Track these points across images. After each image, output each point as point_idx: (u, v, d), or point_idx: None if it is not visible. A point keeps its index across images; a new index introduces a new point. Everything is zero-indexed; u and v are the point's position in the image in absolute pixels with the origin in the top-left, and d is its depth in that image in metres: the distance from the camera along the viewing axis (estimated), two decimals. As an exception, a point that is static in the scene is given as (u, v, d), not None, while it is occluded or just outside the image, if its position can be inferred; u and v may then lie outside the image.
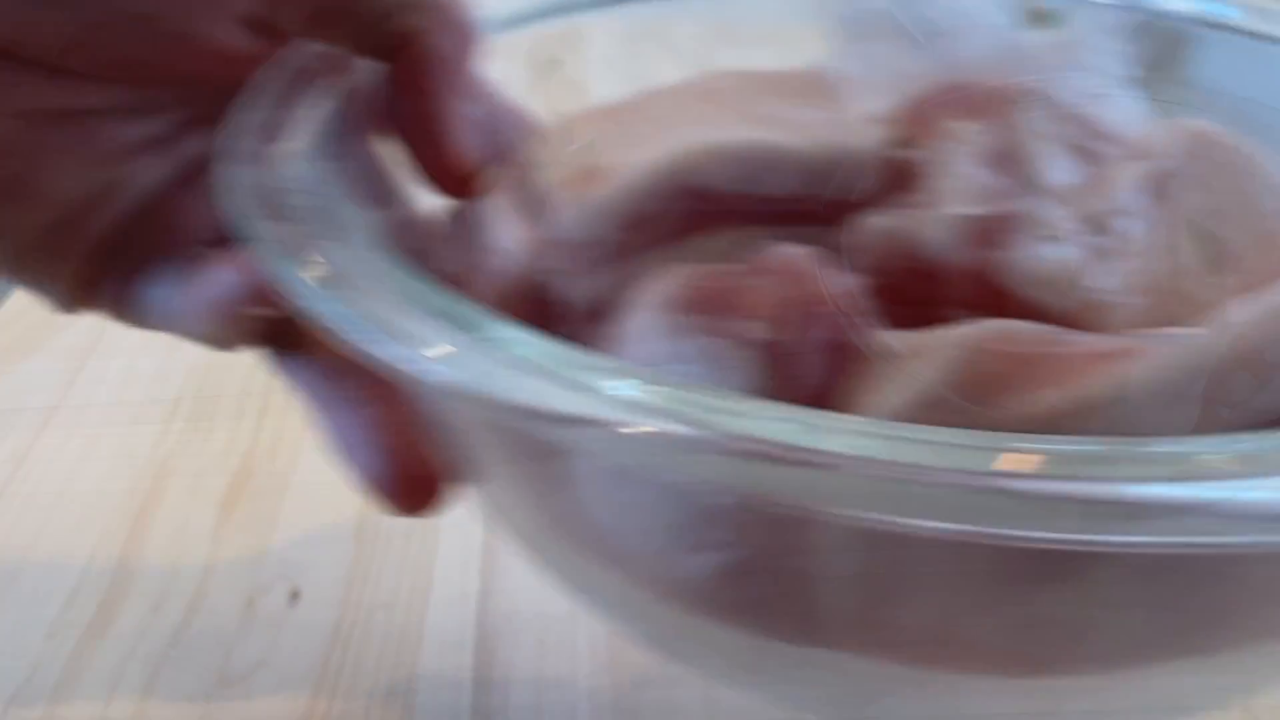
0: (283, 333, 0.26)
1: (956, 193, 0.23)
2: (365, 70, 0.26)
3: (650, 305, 0.21)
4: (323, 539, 0.37)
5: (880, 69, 0.26)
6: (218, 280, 0.25)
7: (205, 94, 0.27)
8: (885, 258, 0.23)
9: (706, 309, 0.20)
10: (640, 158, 0.24)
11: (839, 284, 0.20)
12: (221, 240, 0.26)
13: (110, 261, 0.27)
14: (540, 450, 0.20)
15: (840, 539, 0.18)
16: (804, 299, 0.20)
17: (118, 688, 0.31)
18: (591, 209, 0.24)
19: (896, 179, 0.24)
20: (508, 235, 0.26)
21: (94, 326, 0.49)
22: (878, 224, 0.23)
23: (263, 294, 0.23)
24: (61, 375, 0.46)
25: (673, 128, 0.25)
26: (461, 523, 0.39)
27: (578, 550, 0.22)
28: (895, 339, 0.20)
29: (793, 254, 0.21)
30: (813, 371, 0.20)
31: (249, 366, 0.47)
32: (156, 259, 0.27)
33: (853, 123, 0.25)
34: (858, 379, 0.20)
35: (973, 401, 0.18)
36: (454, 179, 0.26)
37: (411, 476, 0.25)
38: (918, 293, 0.22)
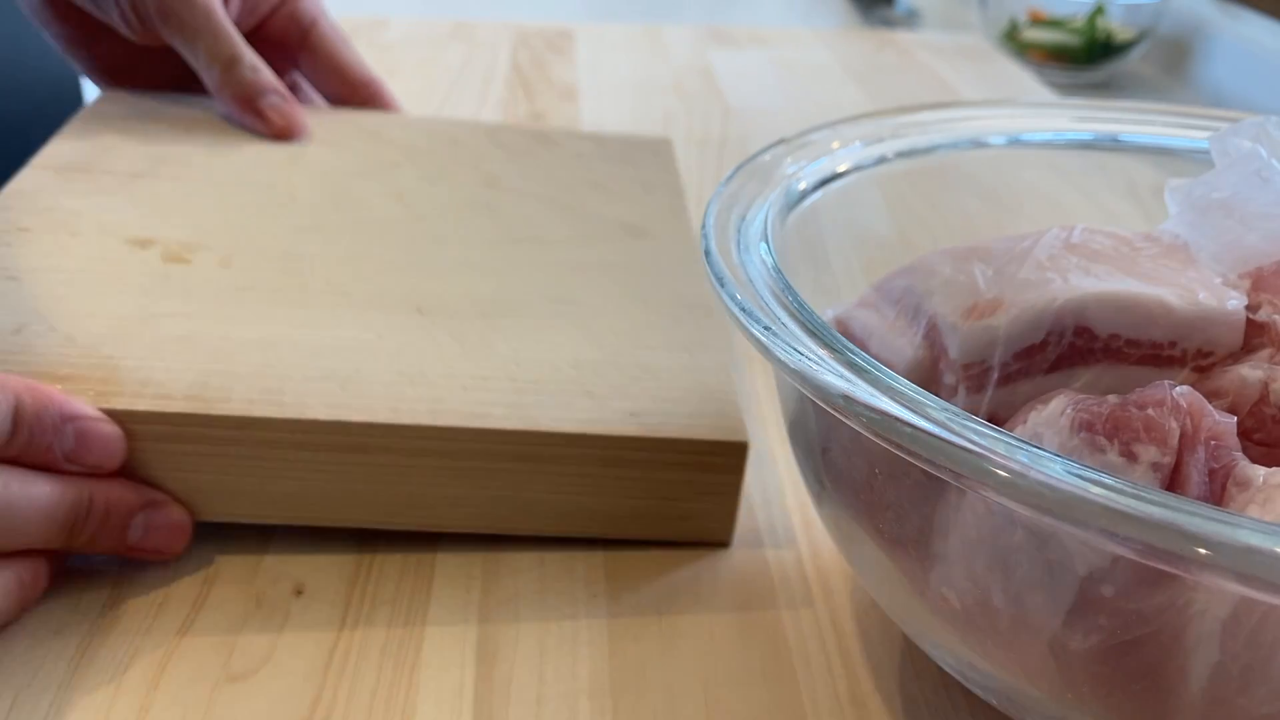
0: None
1: None
2: None
3: (1051, 424, 0.25)
4: (326, 536, 0.38)
5: (1221, 242, 0.32)
6: None
7: None
8: (1249, 402, 0.27)
9: (1112, 431, 0.24)
10: (1030, 297, 0.28)
11: (1221, 421, 0.24)
12: None
13: None
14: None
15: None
16: (1196, 431, 0.24)
17: (123, 684, 0.32)
18: (987, 335, 0.28)
19: (1248, 336, 0.29)
20: (889, 349, 0.30)
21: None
22: (1250, 374, 0.27)
23: None
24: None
25: (1060, 273, 0.29)
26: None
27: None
28: (1258, 471, 0.24)
29: (1189, 393, 0.24)
30: (1196, 492, 0.24)
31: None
32: None
33: (1217, 285, 0.29)
34: (1228, 501, 0.24)
35: None
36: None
37: None
38: (1276, 433, 0.27)
